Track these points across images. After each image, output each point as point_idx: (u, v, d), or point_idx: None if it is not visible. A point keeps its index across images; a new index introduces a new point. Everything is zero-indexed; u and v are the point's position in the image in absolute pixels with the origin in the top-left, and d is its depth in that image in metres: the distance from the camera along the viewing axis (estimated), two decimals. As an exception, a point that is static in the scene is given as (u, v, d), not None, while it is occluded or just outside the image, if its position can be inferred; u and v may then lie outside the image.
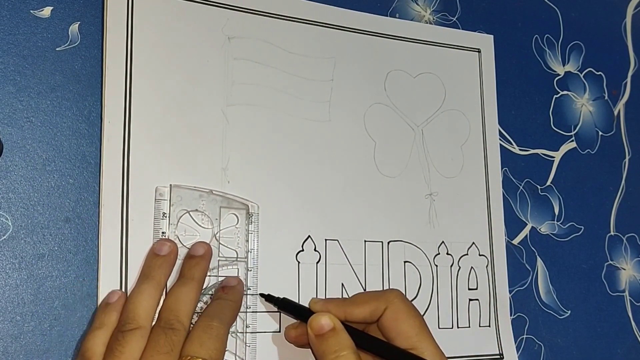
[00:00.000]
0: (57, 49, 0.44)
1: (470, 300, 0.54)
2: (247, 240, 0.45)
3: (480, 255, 0.55)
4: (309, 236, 0.48)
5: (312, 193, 0.49)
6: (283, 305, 0.44)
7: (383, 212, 0.51)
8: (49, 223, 0.42)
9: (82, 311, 0.41)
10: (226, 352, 0.42)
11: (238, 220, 0.45)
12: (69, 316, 0.41)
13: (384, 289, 0.50)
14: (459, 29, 0.59)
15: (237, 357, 0.43)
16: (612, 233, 0.63)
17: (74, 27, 0.44)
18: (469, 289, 0.54)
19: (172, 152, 0.45)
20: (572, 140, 0.63)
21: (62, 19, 0.44)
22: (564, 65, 0.64)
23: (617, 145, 0.66)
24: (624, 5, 0.70)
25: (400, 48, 0.55)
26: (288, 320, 0.46)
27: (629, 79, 0.68)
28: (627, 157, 0.66)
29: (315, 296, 0.47)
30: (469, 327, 0.53)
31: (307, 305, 0.45)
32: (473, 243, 0.55)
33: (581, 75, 0.65)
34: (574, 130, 0.63)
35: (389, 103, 0.54)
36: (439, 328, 0.52)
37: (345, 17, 0.53)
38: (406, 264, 0.52)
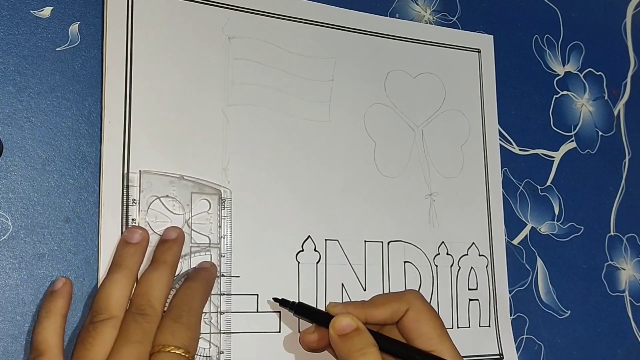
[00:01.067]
0: (57, 49, 0.44)
1: (470, 300, 0.54)
2: (220, 226, 0.45)
3: (480, 255, 0.55)
4: (309, 236, 0.48)
5: (312, 193, 0.49)
6: (299, 310, 0.44)
7: (383, 212, 0.51)
8: (49, 223, 0.42)
9: (82, 311, 0.41)
10: (201, 339, 0.42)
11: (210, 205, 0.45)
12: (69, 316, 0.41)
13: (404, 290, 0.49)
14: (459, 29, 0.59)
15: (211, 344, 0.43)
16: (612, 233, 0.63)
17: (74, 27, 0.44)
18: (469, 289, 0.54)
19: (172, 152, 0.45)
20: (572, 140, 0.63)
21: (62, 19, 0.44)
22: (564, 65, 0.64)
23: (617, 145, 0.66)
24: (624, 5, 0.70)
25: (400, 48, 0.55)
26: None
27: (629, 79, 0.68)
28: (627, 157, 0.66)
29: (315, 296, 0.47)
30: (469, 327, 0.53)
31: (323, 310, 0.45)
32: (473, 243, 0.55)
33: (581, 75, 0.65)
34: (574, 130, 0.63)
35: (389, 103, 0.54)
36: (439, 328, 0.52)
37: (345, 17, 0.53)
38: (406, 264, 0.52)
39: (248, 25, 0.49)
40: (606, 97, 0.66)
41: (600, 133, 0.65)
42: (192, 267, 0.43)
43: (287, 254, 0.47)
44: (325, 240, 0.49)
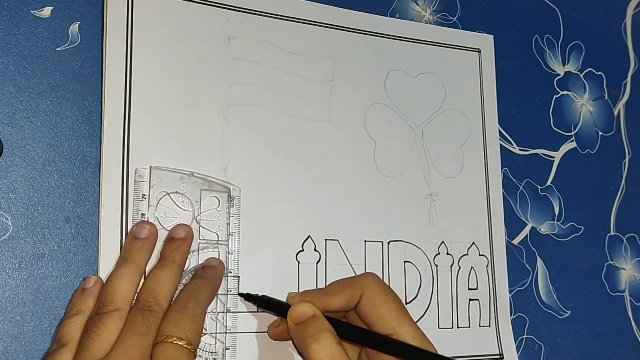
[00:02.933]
0: (57, 49, 0.44)
1: (470, 300, 0.54)
2: (229, 224, 0.45)
3: (480, 255, 0.55)
4: (309, 236, 0.48)
5: (312, 193, 0.49)
6: (262, 303, 0.44)
7: (383, 212, 0.51)
8: (49, 223, 0.42)
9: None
10: (207, 335, 0.42)
11: (219, 202, 0.45)
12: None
13: (360, 274, 0.48)
14: (459, 29, 0.59)
15: (217, 340, 0.43)
16: (612, 233, 0.63)
17: (74, 27, 0.44)
18: (469, 289, 0.54)
19: (172, 152, 0.45)
20: (572, 140, 0.63)
21: (62, 19, 0.44)
22: (564, 65, 0.64)
23: (617, 145, 0.66)
24: (624, 5, 0.70)
25: (400, 48, 0.55)
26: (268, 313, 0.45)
27: (629, 79, 0.68)
28: (627, 157, 0.66)
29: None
30: (469, 327, 0.53)
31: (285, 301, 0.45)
32: (473, 243, 0.55)
33: (581, 75, 0.65)
34: (574, 130, 0.63)
35: (389, 103, 0.54)
36: (439, 328, 0.52)
37: (345, 17, 0.53)
38: (406, 264, 0.52)
39: (248, 25, 0.49)
40: (606, 97, 0.66)
41: (600, 133, 0.65)
42: (199, 263, 0.43)
43: (287, 254, 0.47)
44: (325, 240, 0.49)
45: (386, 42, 0.55)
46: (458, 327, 0.53)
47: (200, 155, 0.46)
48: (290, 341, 0.45)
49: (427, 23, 0.58)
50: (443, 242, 0.53)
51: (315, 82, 0.51)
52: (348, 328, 0.42)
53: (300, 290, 0.47)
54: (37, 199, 0.42)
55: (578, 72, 0.65)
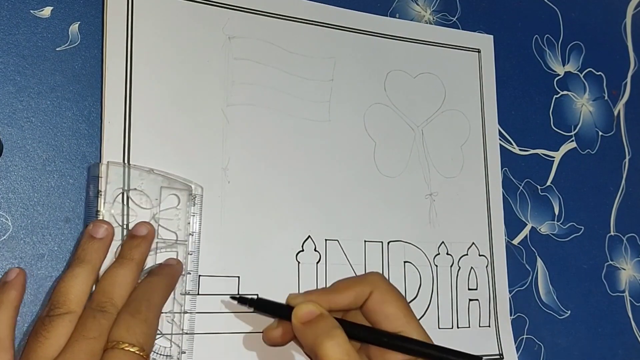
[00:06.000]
0: (57, 49, 0.44)
1: (470, 300, 0.54)
2: (189, 223, 0.44)
3: (480, 255, 0.55)
4: (309, 236, 0.48)
5: (312, 193, 0.49)
6: (259, 305, 0.43)
7: (383, 212, 0.51)
8: (49, 223, 0.42)
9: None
10: (162, 337, 0.41)
11: (179, 201, 0.44)
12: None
13: (365, 272, 0.48)
14: (459, 29, 0.59)
15: (172, 343, 0.42)
16: (612, 233, 0.63)
17: (74, 27, 0.44)
18: (469, 289, 0.54)
19: (172, 152, 0.45)
20: (572, 140, 0.63)
21: (62, 19, 0.44)
22: (564, 65, 0.64)
23: (617, 145, 0.66)
24: (624, 5, 0.70)
25: (400, 48, 0.55)
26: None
27: (629, 79, 0.68)
28: (627, 157, 0.66)
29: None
30: (469, 327, 0.53)
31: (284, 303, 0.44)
32: (473, 243, 0.55)
33: (581, 76, 0.65)
34: (574, 130, 0.63)
35: (389, 103, 0.54)
36: (439, 328, 0.52)
37: (345, 17, 0.53)
38: (406, 264, 0.52)
39: (248, 25, 0.49)
40: (606, 97, 0.66)
41: (600, 133, 0.65)
42: (157, 263, 0.42)
43: (287, 254, 0.47)
44: (325, 240, 0.49)
45: (386, 42, 0.55)
46: (458, 327, 0.53)
47: (200, 155, 0.46)
48: (267, 346, 0.44)
49: (427, 23, 0.58)
50: (443, 242, 0.53)
51: (315, 82, 0.51)
52: (357, 327, 0.42)
53: (300, 291, 0.47)
54: (37, 199, 0.42)
55: (578, 72, 0.65)
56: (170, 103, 0.45)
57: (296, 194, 0.48)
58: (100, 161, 0.43)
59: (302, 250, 0.48)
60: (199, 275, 0.44)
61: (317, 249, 0.48)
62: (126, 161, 0.43)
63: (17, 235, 0.41)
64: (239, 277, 0.45)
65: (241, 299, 0.43)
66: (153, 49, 0.45)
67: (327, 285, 0.47)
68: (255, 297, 0.44)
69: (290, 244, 0.48)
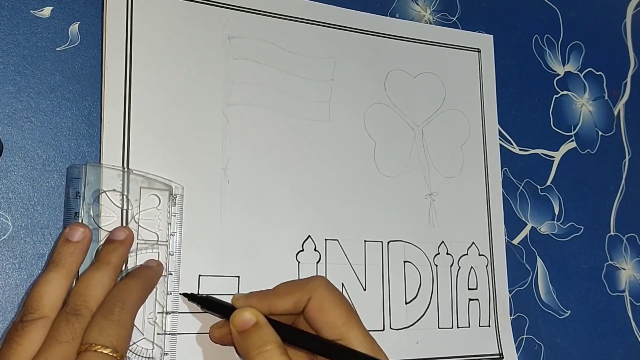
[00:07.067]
0: (57, 49, 0.44)
1: (470, 300, 0.54)
2: (170, 223, 0.43)
3: (480, 255, 0.55)
4: (309, 236, 0.48)
5: (312, 193, 0.49)
6: (206, 304, 0.42)
7: (383, 212, 0.51)
8: (49, 223, 0.42)
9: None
10: (144, 339, 0.41)
11: (160, 201, 0.43)
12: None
13: (309, 276, 0.46)
14: (459, 29, 0.59)
15: (154, 345, 0.41)
16: (612, 233, 0.63)
17: (74, 27, 0.44)
18: (469, 289, 0.54)
19: (171, 151, 0.45)
20: (572, 140, 0.63)
21: (62, 19, 0.44)
22: (564, 65, 0.64)
23: (617, 145, 0.66)
24: (624, 5, 0.70)
25: (400, 48, 0.55)
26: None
27: (629, 79, 0.68)
28: (627, 157, 0.66)
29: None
30: (469, 327, 0.53)
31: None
32: (473, 243, 0.55)
33: (581, 75, 0.65)
34: (574, 130, 0.63)
35: (389, 103, 0.54)
36: (438, 328, 0.52)
37: (345, 17, 0.53)
38: (406, 264, 0.52)
39: (248, 25, 0.49)
40: (606, 97, 0.66)
41: (600, 133, 0.65)
42: (137, 264, 0.42)
43: (287, 254, 0.47)
44: (325, 240, 0.49)
45: (386, 42, 0.55)
46: (458, 327, 0.53)
47: (200, 155, 0.46)
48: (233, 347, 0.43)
49: (427, 23, 0.58)
50: (443, 242, 0.53)
51: (315, 81, 0.51)
52: (294, 332, 0.41)
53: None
54: (37, 199, 0.42)
55: (578, 72, 0.65)
56: (170, 103, 0.45)
57: (296, 193, 0.48)
58: (100, 161, 0.43)
59: (302, 250, 0.48)
60: (199, 275, 0.44)
61: (317, 249, 0.48)
62: (126, 161, 0.43)
63: (17, 235, 0.41)
64: (239, 276, 0.45)
65: (191, 296, 0.43)
66: (153, 49, 0.45)
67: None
68: (204, 295, 0.43)
69: (290, 243, 0.48)
